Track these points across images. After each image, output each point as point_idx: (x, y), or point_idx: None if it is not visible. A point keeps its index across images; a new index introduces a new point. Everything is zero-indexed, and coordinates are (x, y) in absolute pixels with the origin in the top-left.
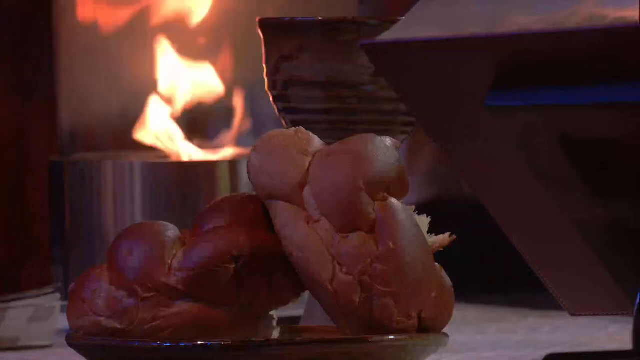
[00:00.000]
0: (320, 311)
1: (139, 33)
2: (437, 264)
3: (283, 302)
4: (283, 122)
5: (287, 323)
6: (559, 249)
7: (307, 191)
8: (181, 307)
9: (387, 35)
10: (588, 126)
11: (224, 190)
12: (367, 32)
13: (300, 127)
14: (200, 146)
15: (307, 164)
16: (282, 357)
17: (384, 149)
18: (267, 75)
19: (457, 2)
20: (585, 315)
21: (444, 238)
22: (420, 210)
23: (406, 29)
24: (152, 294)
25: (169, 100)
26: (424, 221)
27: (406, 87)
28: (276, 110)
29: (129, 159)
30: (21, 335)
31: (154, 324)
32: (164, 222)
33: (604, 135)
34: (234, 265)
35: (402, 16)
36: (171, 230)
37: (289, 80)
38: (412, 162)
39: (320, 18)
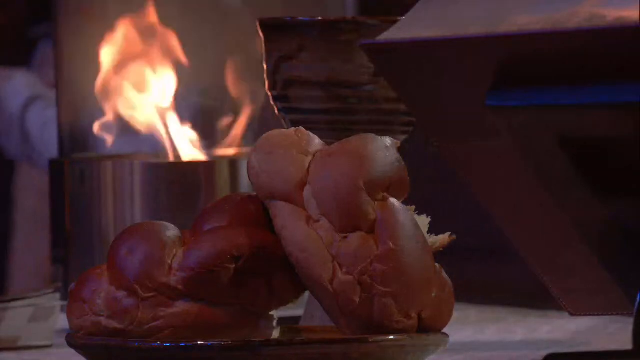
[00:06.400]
0: (320, 311)
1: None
2: (437, 264)
3: (283, 302)
4: (283, 122)
5: (287, 323)
6: (559, 249)
7: (307, 191)
8: (181, 307)
9: (387, 35)
10: (588, 126)
11: (224, 190)
12: (367, 32)
13: (300, 127)
14: (201, 146)
15: (307, 164)
16: (282, 357)
17: (384, 149)
18: (267, 75)
19: (457, 2)
20: (585, 315)
21: (444, 238)
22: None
23: (406, 29)
24: (152, 294)
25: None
26: (424, 221)
27: (406, 87)
28: (276, 110)
29: (129, 159)
30: (21, 335)
31: (154, 324)
32: (164, 222)
33: (604, 135)
34: (234, 265)
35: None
36: (171, 230)
37: (289, 80)
38: None
39: (320, 18)
